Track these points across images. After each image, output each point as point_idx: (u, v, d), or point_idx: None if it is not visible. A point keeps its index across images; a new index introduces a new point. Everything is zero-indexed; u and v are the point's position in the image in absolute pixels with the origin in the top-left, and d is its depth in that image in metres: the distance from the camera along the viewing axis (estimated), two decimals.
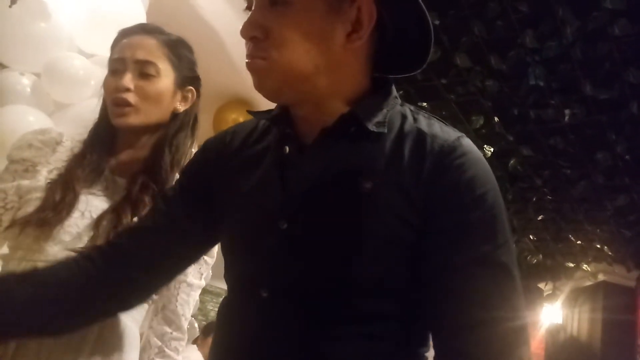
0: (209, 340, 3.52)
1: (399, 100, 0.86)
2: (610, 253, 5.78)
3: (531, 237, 5.71)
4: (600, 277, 6.46)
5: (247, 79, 0.80)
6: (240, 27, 0.78)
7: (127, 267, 0.90)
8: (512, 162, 4.29)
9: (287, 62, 0.76)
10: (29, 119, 1.75)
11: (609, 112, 3.51)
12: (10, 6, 1.79)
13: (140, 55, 1.15)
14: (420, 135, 0.79)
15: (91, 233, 1.07)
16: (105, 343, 1.05)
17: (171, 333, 1.19)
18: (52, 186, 1.10)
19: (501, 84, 3.43)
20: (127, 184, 1.14)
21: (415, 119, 0.82)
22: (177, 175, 1.14)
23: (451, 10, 2.93)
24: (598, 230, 5.29)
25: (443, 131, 0.80)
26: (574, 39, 2.98)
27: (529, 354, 0.72)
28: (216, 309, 0.97)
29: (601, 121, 3.63)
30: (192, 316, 1.29)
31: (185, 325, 1.23)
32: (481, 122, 3.82)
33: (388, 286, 0.77)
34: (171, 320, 1.19)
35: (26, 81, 1.87)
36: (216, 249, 1.24)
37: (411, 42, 0.82)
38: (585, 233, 5.46)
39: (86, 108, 1.79)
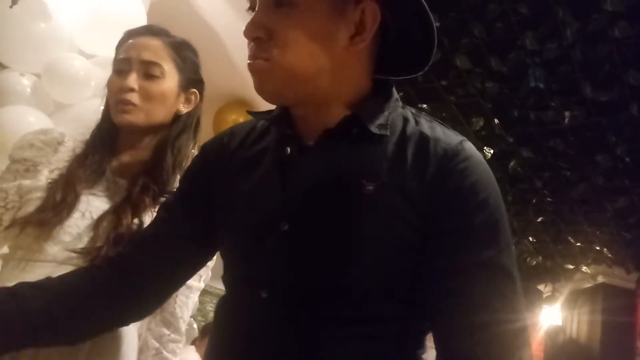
0: (207, 341, 3.51)
1: (400, 103, 0.86)
2: (609, 255, 5.79)
3: (531, 238, 5.71)
4: (600, 279, 6.46)
5: (248, 80, 0.80)
6: (241, 28, 0.78)
7: (135, 278, 0.90)
8: (512, 163, 4.29)
9: (289, 64, 0.76)
10: (29, 120, 1.75)
11: (609, 114, 3.51)
12: (10, 7, 1.80)
13: (146, 56, 1.15)
14: (422, 139, 0.79)
15: (91, 234, 1.07)
16: (104, 345, 1.05)
17: (169, 335, 1.19)
18: (53, 186, 1.09)
19: (501, 85, 3.43)
20: (128, 185, 1.14)
21: (417, 122, 0.82)
22: (178, 177, 1.14)
23: (451, 12, 2.93)
24: (598, 232, 5.29)
25: (445, 135, 0.80)
26: (574, 41, 2.99)
27: (530, 356, 0.73)
28: None
29: (601, 123, 3.63)
30: (191, 317, 1.29)
31: (184, 327, 1.23)
32: (481, 123, 3.82)
33: (388, 288, 0.77)
34: (169, 322, 1.19)
35: (26, 82, 1.88)
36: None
37: (414, 44, 0.82)
38: (584, 235, 5.47)
39: (86, 108, 1.80)
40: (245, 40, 0.80)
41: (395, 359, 0.78)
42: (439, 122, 0.83)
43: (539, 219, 5.23)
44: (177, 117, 1.21)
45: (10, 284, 0.99)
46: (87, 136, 1.20)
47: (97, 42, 1.91)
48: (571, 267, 6.39)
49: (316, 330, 0.76)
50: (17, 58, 1.90)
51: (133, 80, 1.13)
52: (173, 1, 2.71)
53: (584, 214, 4.97)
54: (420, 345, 0.81)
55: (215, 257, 1.24)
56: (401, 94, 0.89)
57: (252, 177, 0.84)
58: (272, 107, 0.87)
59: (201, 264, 0.98)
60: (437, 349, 0.75)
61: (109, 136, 1.19)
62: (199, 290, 1.26)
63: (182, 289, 1.20)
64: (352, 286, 0.76)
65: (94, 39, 1.92)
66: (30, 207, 1.08)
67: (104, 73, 1.81)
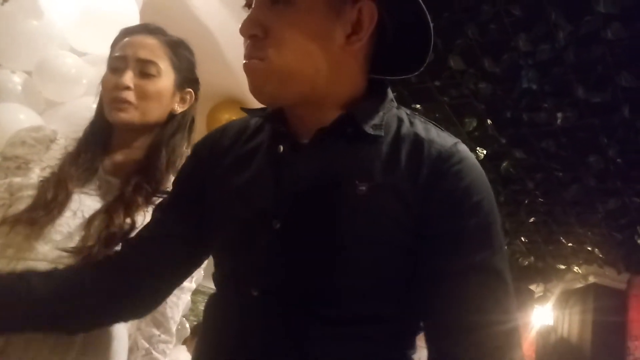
0: None
1: (395, 103, 0.86)
2: (601, 255, 5.82)
3: (523, 239, 5.74)
4: (591, 279, 6.49)
5: (241, 78, 0.80)
6: (235, 27, 0.77)
7: (131, 278, 0.91)
8: (504, 164, 4.31)
9: (285, 63, 0.75)
10: (20, 117, 1.74)
11: (601, 115, 3.53)
12: (2, 4, 1.78)
13: (142, 54, 1.14)
14: (417, 140, 0.79)
15: (83, 233, 1.06)
16: (94, 344, 1.04)
17: (159, 335, 1.19)
18: (44, 184, 1.09)
19: (494, 86, 3.44)
20: (120, 184, 1.13)
21: (411, 123, 0.82)
22: (172, 177, 1.14)
23: (445, 12, 2.93)
24: (589, 232, 5.32)
25: (440, 136, 0.80)
26: (566, 43, 3.00)
27: (521, 357, 0.73)
28: None
29: (593, 124, 3.65)
30: (183, 317, 1.28)
31: (174, 328, 1.22)
32: (474, 124, 3.83)
33: (380, 288, 0.77)
34: (160, 323, 1.19)
35: (17, 79, 1.86)
36: None
37: (410, 44, 0.82)
38: (576, 235, 5.50)
39: (78, 107, 1.79)
40: (239, 40, 0.80)
41: (386, 359, 0.78)
42: (433, 124, 0.83)
43: (531, 220, 5.26)
44: (171, 116, 1.20)
45: None
46: (80, 134, 1.19)
47: (90, 40, 1.90)
48: (563, 267, 6.43)
49: (307, 329, 0.75)
50: (9, 55, 1.89)
51: (129, 78, 1.13)
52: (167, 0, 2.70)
53: (576, 215, 4.99)
54: (411, 345, 0.81)
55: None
56: (395, 94, 0.88)
57: (245, 175, 0.84)
58: None
59: (197, 264, 0.98)
60: (429, 349, 0.76)
61: (102, 134, 1.18)
62: (190, 291, 1.26)
63: None
64: (343, 286, 0.76)
65: (86, 36, 1.90)
66: (21, 205, 1.07)
67: (96, 71, 1.80)
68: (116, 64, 1.15)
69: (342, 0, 0.77)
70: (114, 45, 1.19)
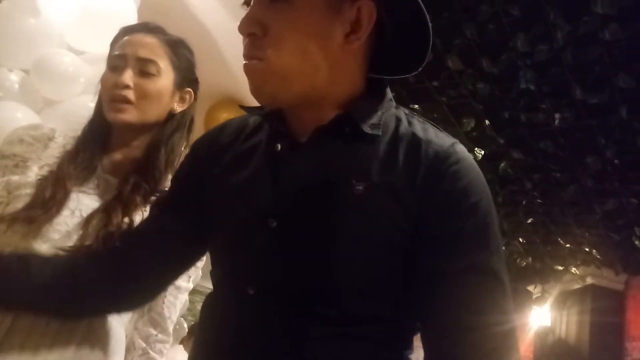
0: None
1: (394, 103, 0.85)
2: (598, 256, 5.83)
3: (521, 240, 5.75)
4: (589, 280, 6.50)
5: (239, 78, 0.80)
6: (233, 26, 0.77)
7: (126, 272, 0.92)
8: (502, 165, 4.31)
9: (284, 62, 0.75)
10: (17, 116, 1.73)
11: (598, 116, 3.54)
12: None
13: (142, 53, 1.14)
14: (415, 140, 0.78)
15: (80, 232, 1.06)
16: (91, 343, 1.04)
17: (156, 335, 1.18)
18: (42, 183, 1.08)
19: (492, 87, 3.45)
20: (119, 184, 1.13)
21: (410, 123, 0.82)
22: (170, 176, 1.14)
23: (444, 12, 2.94)
24: (587, 233, 5.33)
25: (438, 137, 0.80)
26: (564, 43, 3.00)
27: (518, 358, 0.73)
28: None
29: (591, 125, 3.65)
30: (181, 317, 1.28)
31: (171, 327, 1.22)
32: (472, 124, 3.84)
33: (376, 289, 0.77)
34: (157, 322, 1.18)
35: (15, 77, 1.85)
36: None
37: (409, 44, 0.82)
38: (574, 236, 5.50)
39: (75, 105, 1.78)
40: (238, 39, 0.80)
41: (384, 358, 0.78)
42: (432, 124, 0.83)
43: (529, 221, 5.26)
44: (170, 115, 1.20)
45: None
46: (78, 132, 1.19)
47: (87, 38, 1.89)
48: (560, 268, 6.43)
49: (303, 328, 0.75)
50: (6, 54, 1.88)
51: (128, 77, 1.12)
52: None
53: (574, 215, 5.00)
54: (407, 345, 0.81)
55: (205, 258, 1.24)
56: (393, 94, 0.88)
57: (244, 173, 0.83)
58: None
59: (193, 261, 0.98)
60: (425, 350, 0.75)
61: (100, 133, 1.18)
62: (188, 291, 1.26)
63: (171, 289, 1.19)
64: (339, 286, 0.75)
65: (84, 35, 1.90)
66: (19, 204, 1.06)
67: (94, 70, 1.79)
68: (116, 63, 1.15)
69: None
70: (113, 44, 1.19)
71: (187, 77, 1.21)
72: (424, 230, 0.75)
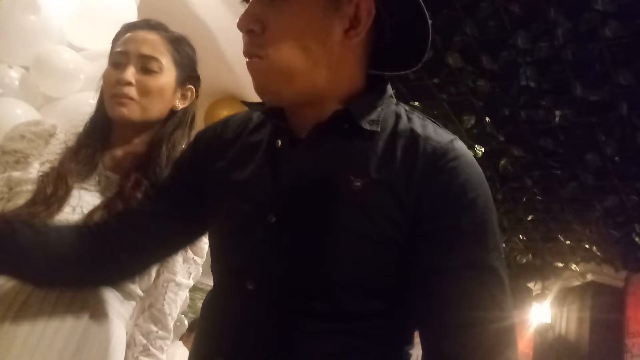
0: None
1: (394, 100, 0.85)
2: (598, 253, 5.82)
3: (521, 237, 5.74)
4: (589, 277, 6.50)
5: (239, 75, 0.80)
6: (233, 23, 0.78)
7: (113, 247, 0.93)
8: (502, 162, 4.30)
9: (284, 59, 0.76)
10: (17, 112, 1.74)
11: (599, 113, 3.53)
12: None
13: (145, 50, 1.14)
14: (413, 137, 0.79)
15: None
16: (92, 340, 1.04)
17: (157, 332, 1.19)
18: (44, 179, 1.08)
19: (493, 84, 3.44)
20: (120, 180, 1.13)
21: (409, 119, 0.82)
22: None
23: (444, 9, 2.93)
24: (587, 230, 5.32)
25: (436, 133, 0.80)
26: (565, 40, 3.00)
27: (516, 356, 0.73)
28: None
29: (591, 122, 3.65)
30: (182, 314, 1.28)
31: (172, 324, 1.22)
32: (472, 122, 3.83)
33: (373, 284, 0.77)
34: (157, 319, 1.19)
35: (15, 74, 1.86)
36: (205, 249, 1.24)
37: (408, 40, 0.82)
38: (574, 233, 5.50)
39: (75, 102, 1.78)
40: (238, 36, 0.80)
41: (381, 354, 0.78)
42: (431, 121, 0.83)
43: (529, 218, 5.26)
44: (172, 112, 1.20)
45: None
46: (80, 129, 1.19)
47: (87, 35, 1.90)
48: (560, 265, 6.43)
49: (301, 324, 0.76)
50: (6, 50, 1.88)
51: (131, 73, 1.12)
52: None
53: (574, 212, 4.99)
54: (407, 341, 0.82)
55: (205, 255, 1.24)
56: (393, 91, 0.88)
57: (246, 169, 0.84)
58: None
59: (182, 246, 1.01)
60: (423, 347, 0.75)
61: (102, 130, 1.18)
62: (188, 288, 1.26)
63: (171, 286, 1.19)
64: (337, 281, 0.76)
65: (84, 32, 1.90)
66: (20, 200, 1.07)
67: (94, 66, 1.79)
68: (118, 59, 1.15)
69: None
70: (115, 40, 1.19)
71: (188, 74, 1.21)
72: (422, 227, 0.75)
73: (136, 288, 1.13)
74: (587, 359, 6.11)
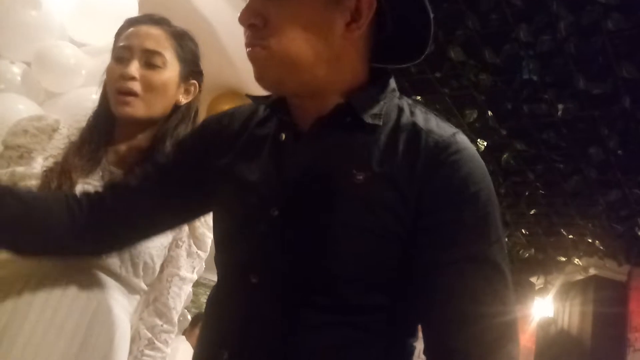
0: (197, 330, 3.54)
1: (397, 93, 0.85)
2: (601, 247, 5.81)
3: (523, 231, 5.73)
4: (592, 271, 6.49)
5: (241, 70, 0.80)
6: (234, 17, 0.78)
7: (105, 220, 0.94)
8: (505, 156, 4.29)
9: (286, 51, 0.76)
10: (19, 108, 1.74)
11: (602, 106, 3.51)
12: None
13: (149, 45, 1.14)
14: (415, 130, 0.78)
15: None
16: (97, 334, 1.05)
17: (162, 325, 1.19)
18: (48, 174, 1.09)
19: (495, 78, 3.43)
20: (123, 175, 1.13)
21: (412, 113, 0.82)
22: None
23: (445, 3, 2.92)
24: (590, 224, 5.31)
25: (439, 127, 0.80)
26: (567, 34, 2.98)
27: (518, 350, 0.73)
28: None
29: (594, 116, 3.63)
30: (184, 308, 1.29)
31: (176, 318, 1.23)
32: (475, 116, 3.82)
33: (375, 278, 0.77)
34: (162, 313, 1.19)
35: (16, 70, 1.86)
36: (209, 243, 1.24)
37: (410, 33, 0.82)
38: (577, 227, 5.49)
39: (77, 97, 1.78)
40: (239, 31, 0.80)
41: (384, 348, 0.78)
42: (434, 114, 0.83)
43: (532, 212, 5.25)
44: (175, 107, 1.20)
45: (3, 270, 0.99)
46: (83, 124, 1.19)
47: (88, 30, 1.89)
48: (563, 259, 6.42)
49: (305, 317, 0.76)
50: (7, 46, 1.89)
51: (135, 68, 1.12)
52: None
53: (577, 206, 4.98)
54: (410, 334, 0.82)
55: (209, 249, 1.24)
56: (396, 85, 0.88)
57: (251, 162, 0.84)
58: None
59: (172, 226, 1.03)
60: (425, 341, 0.76)
61: (105, 125, 1.18)
62: (192, 282, 1.26)
63: (176, 280, 1.20)
64: (339, 275, 0.76)
65: (85, 27, 1.90)
66: None
67: (95, 62, 1.80)
68: (121, 54, 1.15)
69: None
70: (118, 35, 1.19)
71: (192, 69, 1.21)
72: (424, 220, 0.75)
73: (140, 282, 1.14)
74: (589, 353, 6.10)
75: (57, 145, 1.15)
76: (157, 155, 1.03)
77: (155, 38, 1.15)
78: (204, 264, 1.28)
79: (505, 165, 4.35)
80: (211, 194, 0.90)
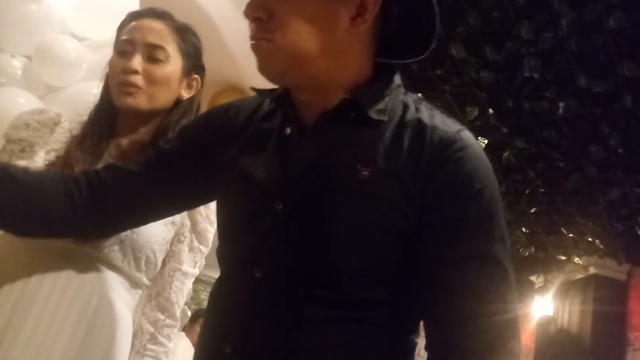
0: (197, 327, 3.54)
1: (403, 89, 0.85)
2: (601, 246, 5.81)
3: (524, 229, 5.73)
4: (592, 270, 6.49)
5: (242, 66, 0.80)
6: (236, 14, 0.77)
7: (104, 203, 0.93)
8: (505, 154, 4.29)
9: (291, 44, 0.75)
10: (20, 101, 1.74)
11: (603, 105, 3.51)
12: None
13: (151, 39, 1.13)
14: (420, 126, 0.78)
15: None
16: (99, 328, 1.05)
17: (164, 320, 1.19)
18: (50, 167, 1.09)
19: (496, 75, 3.42)
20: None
21: (417, 109, 0.82)
22: None
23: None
24: (590, 223, 5.31)
25: (444, 123, 0.79)
26: (569, 31, 2.98)
27: (519, 348, 0.73)
28: None
29: (595, 114, 3.63)
30: (184, 305, 1.29)
31: (178, 312, 1.23)
32: (476, 113, 3.82)
33: (379, 273, 0.77)
34: (164, 308, 1.19)
35: (17, 63, 1.86)
36: (211, 238, 1.24)
37: (415, 27, 0.82)
38: (577, 226, 5.49)
39: (78, 91, 1.78)
40: (241, 27, 0.80)
41: (387, 343, 0.78)
42: (439, 111, 0.83)
43: (532, 210, 5.25)
44: (178, 102, 1.20)
45: (3, 262, 0.99)
46: (84, 117, 1.19)
47: (89, 24, 1.89)
48: (563, 258, 6.42)
49: (308, 312, 0.76)
50: (8, 39, 1.88)
51: (137, 62, 1.12)
52: None
53: (577, 205, 4.98)
54: (413, 330, 0.82)
55: (210, 244, 1.24)
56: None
57: (256, 156, 0.84)
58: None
59: (169, 213, 1.02)
60: (427, 337, 0.76)
61: (107, 118, 1.18)
62: (194, 277, 1.26)
63: (178, 275, 1.20)
64: (343, 270, 0.76)
65: (86, 21, 1.90)
66: None
67: (96, 56, 1.79)
68: (124, 48, 1.14)
69: None
70: (121, 28, 1.19)
71: (194, 64, 1.21)
72: (428, 216, 0.75)
73: (142, 276, 1.14)
74: (589, 352, 6.11)
75: (59, 139, 1.15)
76: (160, 141, 1.02)
77: (158, 32, 1.15)
78: (204, 260, 1.28)
79: (505, 163, 4.35)
80: (211, 183, 0.90)
